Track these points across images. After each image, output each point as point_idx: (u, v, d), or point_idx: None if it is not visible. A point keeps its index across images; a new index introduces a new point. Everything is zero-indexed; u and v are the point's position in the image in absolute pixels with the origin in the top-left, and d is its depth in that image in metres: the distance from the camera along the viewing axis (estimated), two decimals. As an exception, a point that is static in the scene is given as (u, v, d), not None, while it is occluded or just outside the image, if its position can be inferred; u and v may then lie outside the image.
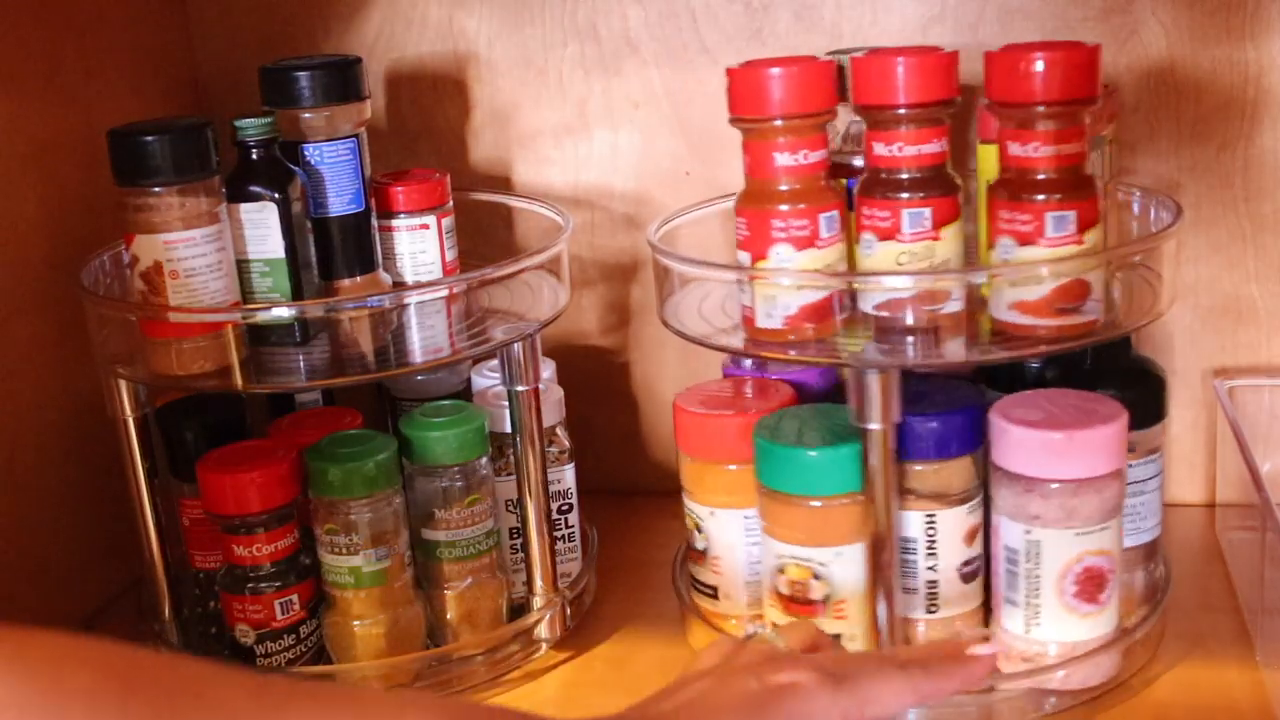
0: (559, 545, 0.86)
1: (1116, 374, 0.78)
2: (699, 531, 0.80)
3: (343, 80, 0.80)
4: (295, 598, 0.78)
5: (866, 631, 0.74)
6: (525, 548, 0.82)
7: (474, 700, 0.78)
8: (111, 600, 0.93)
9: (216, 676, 0.44)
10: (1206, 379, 0.93)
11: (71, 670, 0.41)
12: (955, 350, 0.70)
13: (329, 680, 0.78)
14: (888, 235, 0.70)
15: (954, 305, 0.70)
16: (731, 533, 0.78)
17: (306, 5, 1.00)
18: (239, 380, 0.76)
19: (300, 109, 0.79)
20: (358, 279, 0.82)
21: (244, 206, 0.77)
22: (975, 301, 0.72)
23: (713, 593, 0.80)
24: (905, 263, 0.70)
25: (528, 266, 0.80)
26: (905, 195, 0.70)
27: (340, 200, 0.80)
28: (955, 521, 0.73)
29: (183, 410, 0.84)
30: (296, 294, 0.78)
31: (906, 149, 0.70)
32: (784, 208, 0.70)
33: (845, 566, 0.72)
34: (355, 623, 0.78)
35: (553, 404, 0.85)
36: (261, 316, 0.78)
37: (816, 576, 0.73)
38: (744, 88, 0.71)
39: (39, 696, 0.40)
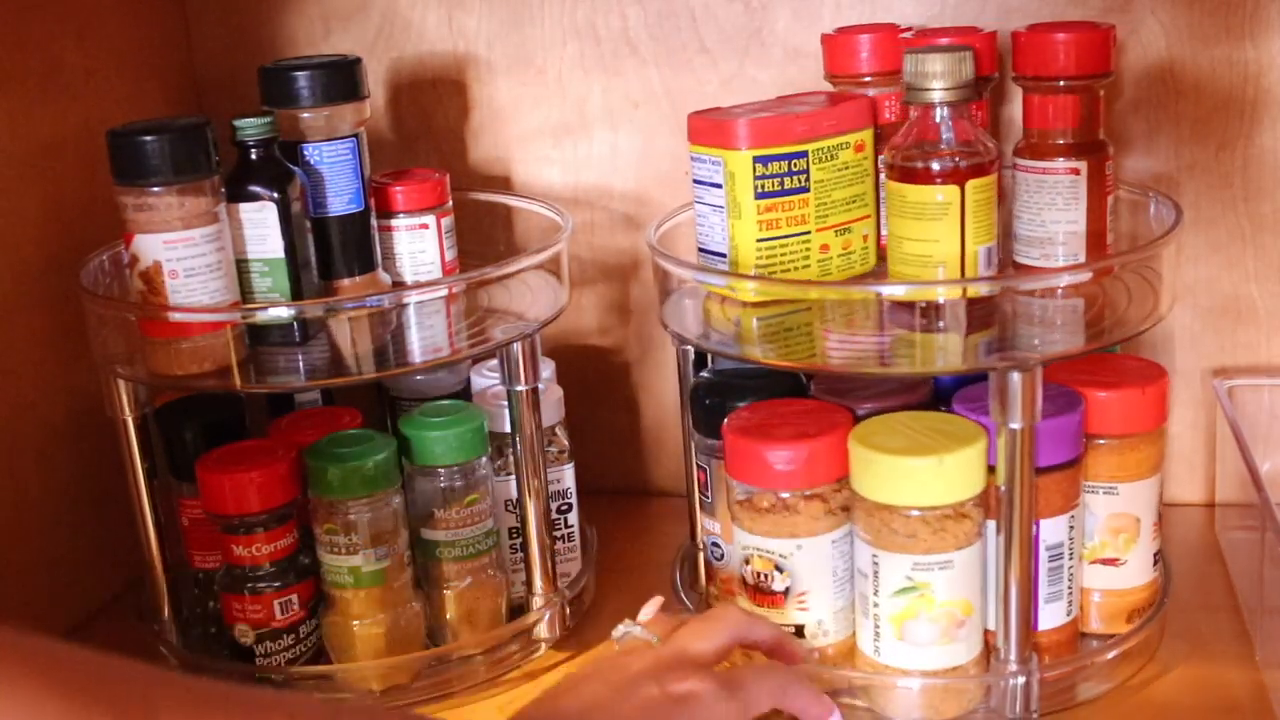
0: (558, 545, 0.86)
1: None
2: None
3: (342, 80, 0.80)
4: (295, 597, 0.78)
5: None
6: (525, 547, 0.82)
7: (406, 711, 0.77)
8: (111, 600, 0.93)
9: (152, 680, 0.44)
10: (1206, 379, 0.93)
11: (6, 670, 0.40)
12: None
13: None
14: None
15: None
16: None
17: (306, 5, 1.00)
18: (238, 380, 0.76)
19: (300, 109, 0.79)
20: (357, 279, 0.82)
21: (243, 206, 0.77)
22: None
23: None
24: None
25: (527, 266, 0.80)
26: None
27: (340, 200, 0.80)
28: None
29: (182, 410, 0.84)
30: (296, 294, 0.78)
31: None
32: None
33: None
34: (355, 622, 0.78)
35: (552, 404, 0.85)
36: (261, 316, 0.78)
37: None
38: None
39: None
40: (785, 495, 0.72)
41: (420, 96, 1.00)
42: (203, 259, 0.74)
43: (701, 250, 0.78)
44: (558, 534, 0.86)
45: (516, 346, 0.77)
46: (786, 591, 0.73)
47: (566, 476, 0.86)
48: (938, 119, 0.71)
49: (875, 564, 0.70)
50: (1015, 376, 0.66)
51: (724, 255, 0.76)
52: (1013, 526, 0.69)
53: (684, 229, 0.85)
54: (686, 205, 0.86)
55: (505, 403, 0.80)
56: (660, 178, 0.97)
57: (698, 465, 0.81)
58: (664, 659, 0.61)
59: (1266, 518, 0.74)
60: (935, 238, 0.71)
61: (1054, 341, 0.73)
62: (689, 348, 0.81)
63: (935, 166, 0.71)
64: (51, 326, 0.87)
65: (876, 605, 0.71)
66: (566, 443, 0.86)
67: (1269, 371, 0.92)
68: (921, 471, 0.68)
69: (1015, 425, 0.67)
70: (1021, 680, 0.71)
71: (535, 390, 0.79)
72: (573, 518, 0.87)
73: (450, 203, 0.86)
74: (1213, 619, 0.81)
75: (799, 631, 0.74)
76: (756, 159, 0.74)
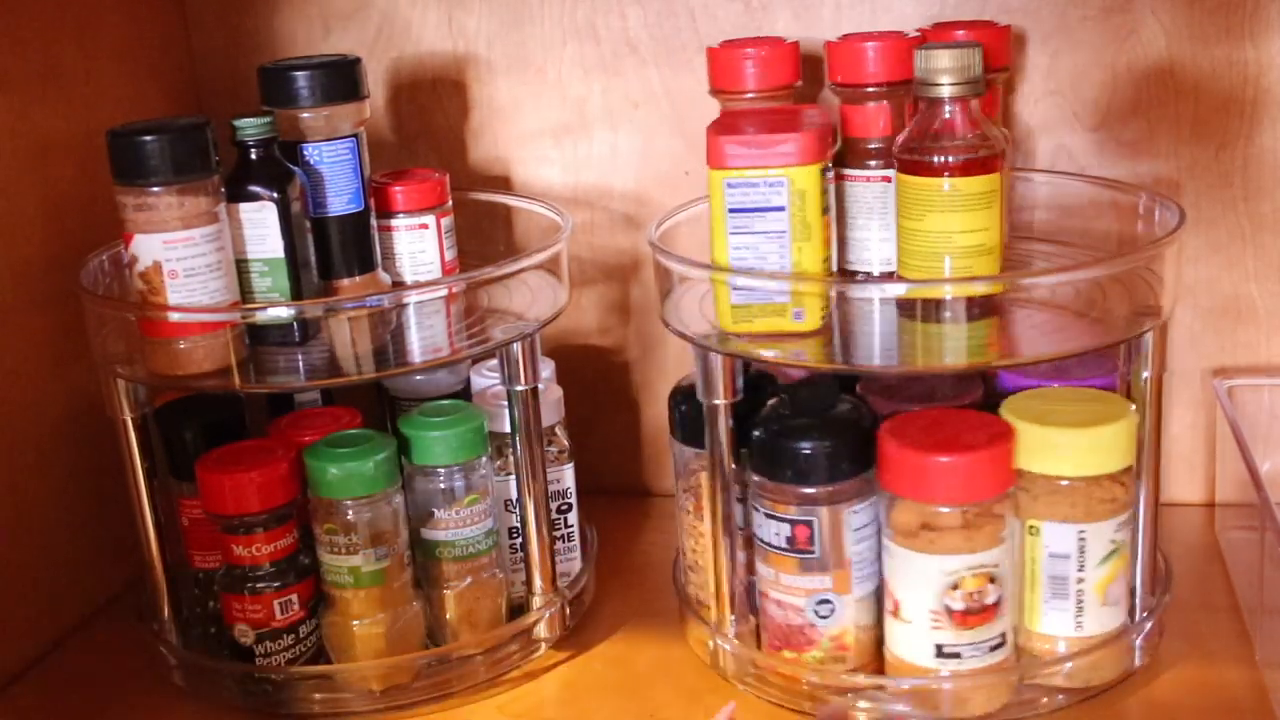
0: (558, 545, 0.86)
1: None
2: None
3: (342, 80, 0.80)
4: (294, 597, 0.78)
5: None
6: (525, 547, 0.82)
7: None
8: (111, 600, 0.93)
9: None
10: (1206, 379, 0.93)
11: None
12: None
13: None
14: None
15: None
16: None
17: (306, 5, 1.00)
18: (238, 380, 0.76)
19: (299, 109, 0.79)
20: (357, 278, 0.82)
21: (243, 206, 0.77)
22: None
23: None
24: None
25: (527, 266, 0.80)
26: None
27: (339, 200, 0.80)
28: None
29: (182, 410, 0.84)
30: (296, 294, 0.78)
31: None
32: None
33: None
34: (354, 622, 0.78)
35: (552, 404, 0.85)
36: (261, 316, 0.78)
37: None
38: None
39: None
40: (973, 506, 0.69)
41: (420, 96, 1.00)
42: (203, 259, 0.74)
43: (739, 288, 0.72)
44: (558, 534, 0.86)
45: (516, 346, 0.77)
46: (998, 602, 0.70)
47: (566, 476, 0.86)
48: (970, 112, 0.71)
49: (1082, 539, 0.71)
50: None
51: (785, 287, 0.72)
52: (1146, 468, 0.74)
53: (684, 229, 0.85)
54: (686, 205, 0.86)
55: (505, 403, 0.80)
56: (660, 178, 0.97)
57: (791, 524, 0.72)
58: None
59: (1266, 518, 0.74)
60: (986, 226, 0.71)
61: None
62: (719, 402, 0.73)
63: (982, 155, 0.71)
64: (51, 326, 0.87)
65: (1081, 581, 0.71)
66: (566, 443, 0.86)
67: (1269, 371, 0.92)
68: (1122, 434, 0.71)
69: (1146, 374, 0.73)
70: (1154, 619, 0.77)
71: (535, 390, 0.79)
72: (573, 518, 0.87)
73: (450, 203, 0.86)
74: (1213, 619, 0.81)
75: (1003, 640, 0.71)
76: (822, 171, 0.71)
